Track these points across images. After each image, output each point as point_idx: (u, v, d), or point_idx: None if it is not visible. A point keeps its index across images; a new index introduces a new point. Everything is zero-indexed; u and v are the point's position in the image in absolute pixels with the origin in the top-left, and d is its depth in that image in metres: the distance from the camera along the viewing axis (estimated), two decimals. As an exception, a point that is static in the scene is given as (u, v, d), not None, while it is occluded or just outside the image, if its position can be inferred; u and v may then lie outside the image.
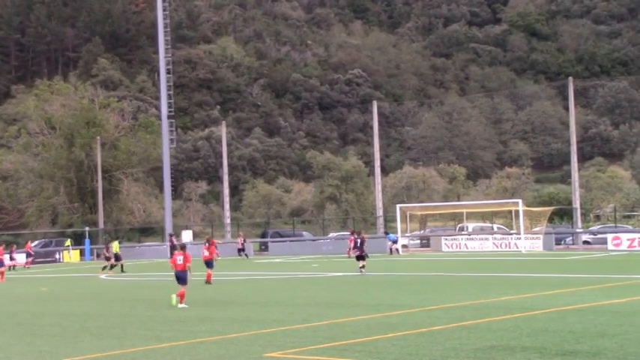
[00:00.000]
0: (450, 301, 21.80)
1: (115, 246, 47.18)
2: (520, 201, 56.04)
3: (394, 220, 60.25)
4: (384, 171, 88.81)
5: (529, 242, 52.66)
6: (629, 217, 74.19)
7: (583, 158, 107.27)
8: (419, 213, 65.72)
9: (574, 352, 13.37)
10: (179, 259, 23.93)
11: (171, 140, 73.69)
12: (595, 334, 15.10)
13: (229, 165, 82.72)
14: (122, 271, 44.93)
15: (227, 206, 75.89)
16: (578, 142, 66.53)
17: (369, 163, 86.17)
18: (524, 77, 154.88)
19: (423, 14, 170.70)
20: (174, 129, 75.07)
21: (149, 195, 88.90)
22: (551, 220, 61.12)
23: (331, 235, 70.94)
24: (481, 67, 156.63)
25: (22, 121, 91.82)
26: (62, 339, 17.70)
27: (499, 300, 21.87)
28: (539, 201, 79.28)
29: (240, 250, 55.95)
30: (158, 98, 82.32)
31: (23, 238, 76.35)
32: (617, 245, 50.78)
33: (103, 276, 42.73)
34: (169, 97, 72.59)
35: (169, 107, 72.63)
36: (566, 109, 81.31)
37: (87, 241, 71.13)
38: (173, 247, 56.37)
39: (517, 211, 54.66)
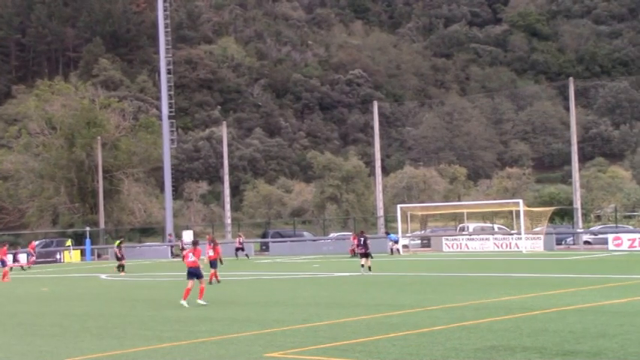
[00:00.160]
0: (451, 301, 21.80)
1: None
2: (521, 201, 55.99)
3: (395, 220, 60.23)
4: (385, 171, 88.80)
5: (530, 242, 52.64)
6: (629, 217, 74.19)
7: (584, 158, 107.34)
8: (419, 213, 65.69)
9: (574, 352, 13.36)
10: (190, 255, 23.93)
11: (172, 140, 73.77)
12: (595, 334, 15.09)
13: (230, 165, 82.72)
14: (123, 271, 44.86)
15: (228, 206, 75.90)
16: (578, 143, 66.49)
17: (370, 164, 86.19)
18: (525, 77, 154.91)
19: (423, 14, 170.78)
20: (174, 129, 75.15)
21: (150, 195, 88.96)
22: (551, 220, 61.14)
23: (332, 235, 70.93)
24: (482, 67, 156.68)
25: (22, 122, 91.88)
26: (63, 339, 17.70)
27: (500, 300, 21.87)
28: (540, 201, 79.30)
29: (238, 250, 55.78)
30: (159, 98, 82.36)
31: (24, 239, 76.42)
32: (617, 245, 50.79)
33: (104, 276, 42.74)
34: (170, 97, 72.67)
35: (170, 107, 72.72)
36: (567, 109, 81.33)
37: (87, 241, 71.14)
38: (184, 248, 56.55)
39: (518, 212, 54.65)
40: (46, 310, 24.92)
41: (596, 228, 64.63)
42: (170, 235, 70.43)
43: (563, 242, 59.88)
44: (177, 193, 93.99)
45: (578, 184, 62.68)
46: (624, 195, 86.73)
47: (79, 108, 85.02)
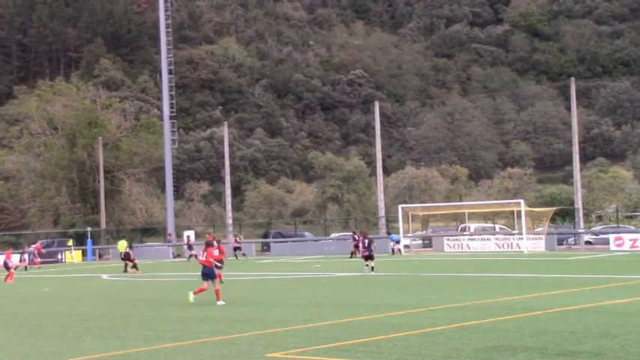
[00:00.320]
0: (452, 302, 21.79)
1: (121, 246, 47.14)
2: (522, 201, 55.95)
3: (396, 220, 60.21)
4: (386, 171, 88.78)
5: (531, 242, 52.63)
6: (631, 217, 74.15)
7: (585, 158, 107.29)
8: (421, 213, 65.67)
9: (576, 352, 13.36)
10: (202, 254, 23.96)
11: (173, 141, 73.84)
12: (597, 334, 15.09)
13: (231, 165, 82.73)
14: (125, 271, 44.89)
15: (229, 206, 75.88)
16: (580, 143, 66.47)
17: (371, 164, 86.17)
18: (526, 77, 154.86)
19: (424, 14, 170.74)
20: (176, 129, 75.21)
21: (151, 195, 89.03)
22: (553, 220, 61.06)
23: (333, 235, 70.93)
24: (483, 67, 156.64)
25: (24, 122, 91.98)
26: (64, 339, 17.70)
27: (501, 300, 21.86)
28: (541, 201, 79.28)
29: (236, 249, 55.79)
30: (160, 99, 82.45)
31: (25, 239, 76.47)
32: (619, 245, 50.79)
33: (104, 276, 42.76)
34: (171, 97, 72.73)
35: (171, 107, 72.79)
36: (568, 109, 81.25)
37: (89, 241, 71.19)
38: (190, 247, 56.79)
39: (519, 212, 54.62)
40: (48, 311, 24.92)
41: (597, 228, 64.61)
42: (170, 235, 70.47)
43: (564, 242, 59.87)
44: (178, 194, 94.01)
45: (579, 185, 62.67)
46: (625, 195, 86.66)
47: (81, 108, 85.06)
